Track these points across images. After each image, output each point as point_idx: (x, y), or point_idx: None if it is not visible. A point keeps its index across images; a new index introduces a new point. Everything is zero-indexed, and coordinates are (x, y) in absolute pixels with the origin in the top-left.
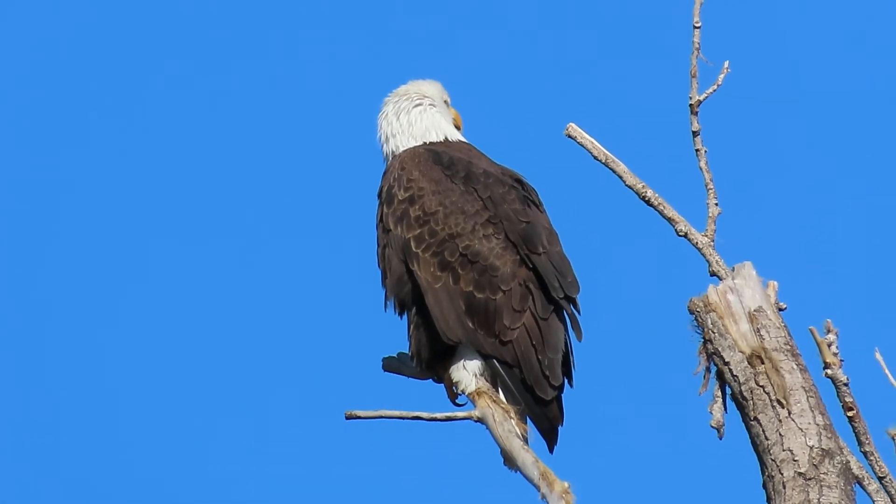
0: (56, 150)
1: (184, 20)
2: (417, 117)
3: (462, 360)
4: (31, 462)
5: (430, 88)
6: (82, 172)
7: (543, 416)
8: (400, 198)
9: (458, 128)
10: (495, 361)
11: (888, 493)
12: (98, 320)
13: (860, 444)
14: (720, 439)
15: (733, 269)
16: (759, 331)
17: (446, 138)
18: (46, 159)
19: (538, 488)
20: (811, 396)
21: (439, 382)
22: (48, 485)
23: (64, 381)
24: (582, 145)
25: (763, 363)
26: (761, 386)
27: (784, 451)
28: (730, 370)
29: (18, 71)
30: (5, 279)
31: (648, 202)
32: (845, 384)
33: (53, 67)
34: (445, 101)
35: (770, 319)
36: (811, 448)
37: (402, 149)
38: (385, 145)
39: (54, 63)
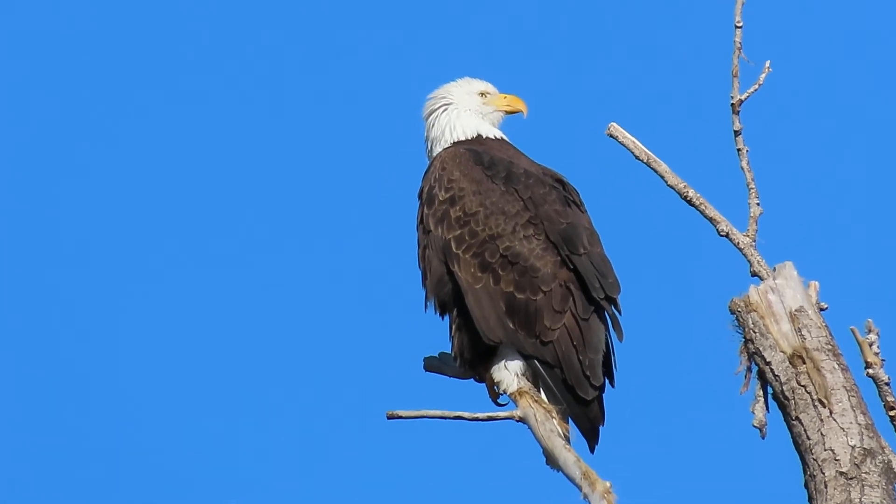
0: (64, 152)
1: (207, 18)
2: (434, 121)
3: (503, 361)
4: (53, 461)
5: (454, 86)
6: (97, 174)
7: (584, 415)
8: (440, 198)
9: (521, 111)
10: (536, 362)
11: None
12: (133, 321)
13: None
14: (762, 438)
15: (774, 269)
16: (800, 331)
17: (469, 137)
18: (53, 161)
19: (580, 488)
20: (852, 396)
21: (481, 382)
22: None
23: (93, 382)
24: (623, 145)
25: (804, 363)
26: (803, 385)
27: (826, 450)
28: (771, 370)
29: (23, 72)
30: (12, 279)
31: (690, 202)
32: (887, 384)
33: (58, 69)
34: (482, 93)
35: (811, 319)
36: (853, 447)
37: (435, 151)
38: (426, 147)
39: (59, 64)
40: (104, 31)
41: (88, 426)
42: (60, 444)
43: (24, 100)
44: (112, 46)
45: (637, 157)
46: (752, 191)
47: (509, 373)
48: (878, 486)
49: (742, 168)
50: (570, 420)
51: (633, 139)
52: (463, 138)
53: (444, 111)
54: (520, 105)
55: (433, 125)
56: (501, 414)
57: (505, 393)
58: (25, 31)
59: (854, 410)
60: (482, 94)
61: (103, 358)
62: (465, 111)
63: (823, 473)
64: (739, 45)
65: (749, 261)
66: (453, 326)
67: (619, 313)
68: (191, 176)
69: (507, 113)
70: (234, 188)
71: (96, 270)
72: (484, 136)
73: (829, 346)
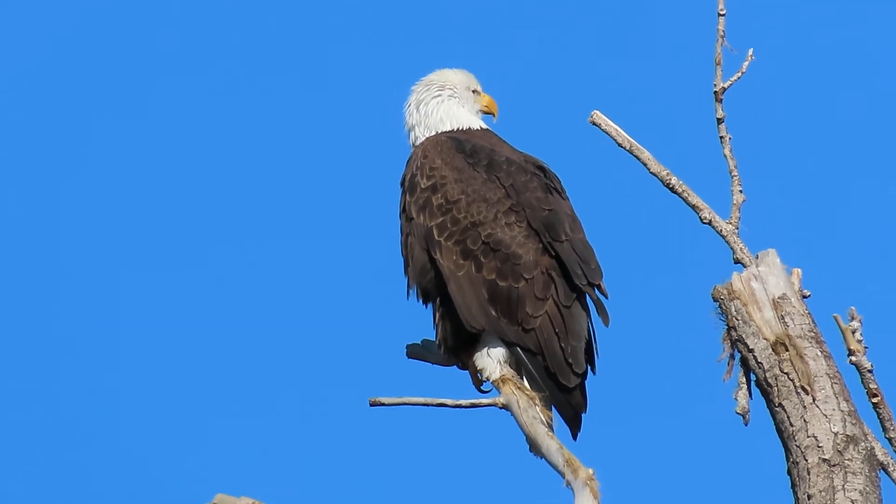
0: (64, 151)
1: (196, 13)
2: (435, 108)
3: (486, 348)
4: (38, 463)
5: (455, 77)
6: (94, 173)
7: (567, 403)
8: (422, 186)
9: (493, 114)
10: (518, 349)
11: None
12: (118, 314)
13: (885, 430)
14: (745, 425)
15: (757, 257)
16: (783, 318)
17: (460, 129)
18: (51, 160)
19: (563, 475)
20: (835, 383)
21: (464, 369)
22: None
23: (79, 381)
24: (606, 132)
25: (787, 350)
26: (786, 373)
27: (809, 437)
28: (754, 357)
29: (22, 71)
30: (8, 279)
31: (673, 189)
32: (869, 371)
33: (59, 67)
34: (474, 91)
35: (794, 307)
36: (836, 434)
37: (420, 139)
38: (409, 135)
39: (59, 62)
40: (108, 30)
41: (58, 424)
42: (39, 442)
43: (15, 99)
44: (113, 46)
45: (620, 145)
46: (734, 178)
47: (492, 360)
48: (860, 472)
49: (725, 156)
50: (552, 407)
51: (616, 127)
52: (447, 129)
53: (443, 99)
54: (494, 109)
55: (430, 111)
56: (484, 401)
57: (488, 380)
58: (16, 31)
59: (837, 397)
60: (474, 91)
61: (110, 355)
62: (463, 106)
63: (806, 460)
64: (722, 34)
65: (732, 248)
66: (437, 314)
67: (606, 297)
68: (159, 167)
69: (484, 113)
70: (213, 177)
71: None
72: (466, 129)
73: (812, 334)
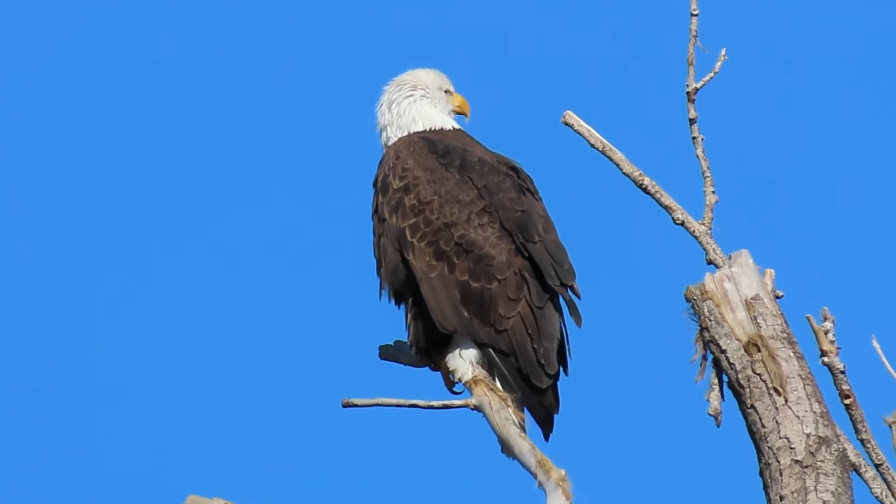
0: (54, 148)
1: (176, 10)
2: (407, 108)
3: (458, 349)
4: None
5: (427, 77)
6: (76, 170)
7: (539, 404)
8: (395, 187)
9: (465, 114)
10: (491, 350)
11: (885, 480)
12: (90, 313)
13: (857, 431)
14: (718, 427)
15: (730, 257)
16: (755, 319)
17: (432, 129)
18: (43, 157)
19: (535, 476)
20: (808, 384)
21: (436, 370)
22: (33, 486)
23: (54, 380)
24: (579, 133)
25: (760, 351)
26: (758, 374)
27: (781, 438)
28: (726, 358)
29: (14, 67)
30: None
31: (645, 190)
32: (842, 372)
33: (49, 63)
34: (446, 91)
35: (767, 307)
36: (808, 436)
37: (392, 139)
38: (381, 135)
39: (50, 59)
40: (94, 25)
41: (72, 425)
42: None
43: (19, 95)
44: (100, 41)
45: (592, 146)
46: (707, 179)
47: (464, 361)
48: (833, 474)
49: (697, 156)
50: (525, 408)
51: (589, 127)
52: (420, 129)
53: (415, 100)
54: (466, 109)
55: (403, 111)
56: (457, 402)
57: (460, 381)
58: (22, 25)
59: (809, 399)
60: (447, 91)
61: (80, 355)
62: (435, 106)
63: (779, 462)
64: (695, 34)
65: (705, 249)
66: (409, 315)
67: (579, 297)
68: (150, 169)
69: (456, 113)
70: (187, 176)
71: (76, 266)
72: (439, 129)
73: (785, 335)
